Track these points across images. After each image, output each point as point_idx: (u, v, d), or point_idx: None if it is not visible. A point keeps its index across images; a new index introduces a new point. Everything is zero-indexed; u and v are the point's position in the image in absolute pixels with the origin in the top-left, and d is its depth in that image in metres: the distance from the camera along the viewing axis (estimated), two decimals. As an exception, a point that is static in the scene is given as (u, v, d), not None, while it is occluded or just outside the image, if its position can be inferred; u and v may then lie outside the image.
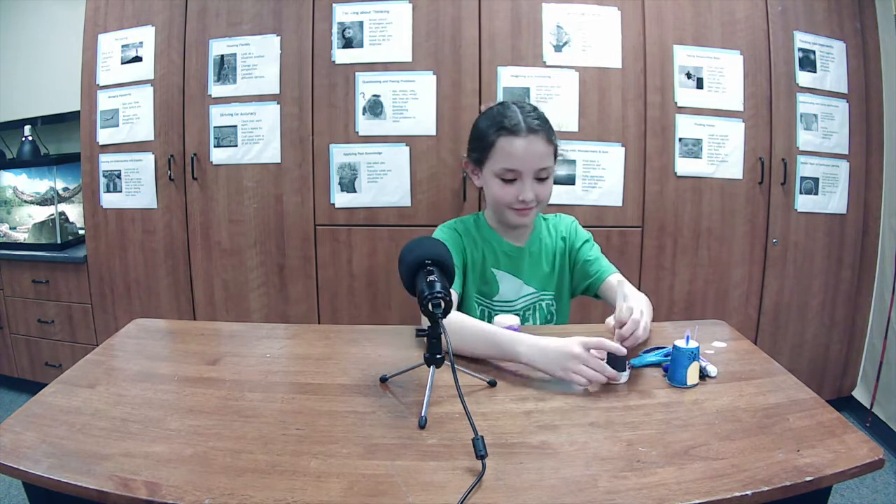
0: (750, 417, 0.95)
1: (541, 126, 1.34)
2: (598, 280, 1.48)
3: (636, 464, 0.82)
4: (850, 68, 2.41)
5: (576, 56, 2.29)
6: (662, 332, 1.36)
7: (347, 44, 2.32)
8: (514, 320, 1.22)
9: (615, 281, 1.45)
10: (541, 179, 1.36)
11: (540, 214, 1.53)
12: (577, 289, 1.54)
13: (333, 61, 2.33)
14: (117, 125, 2.48)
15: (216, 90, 2.39)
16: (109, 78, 2.48)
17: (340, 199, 2.38)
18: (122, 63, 2.46)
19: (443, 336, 0.96)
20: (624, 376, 1.07)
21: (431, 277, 0.99)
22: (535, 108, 1.38)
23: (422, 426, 0.92)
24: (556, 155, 1.39)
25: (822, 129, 2.39)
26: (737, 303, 2.43)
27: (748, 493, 0.76)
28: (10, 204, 2.84)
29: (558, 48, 2.30)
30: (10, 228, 2.84)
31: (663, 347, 1.15)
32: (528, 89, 2.29)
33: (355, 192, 2.37)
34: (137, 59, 2.44)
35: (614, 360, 1.06)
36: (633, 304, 1.20)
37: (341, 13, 2.32)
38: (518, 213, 1.37)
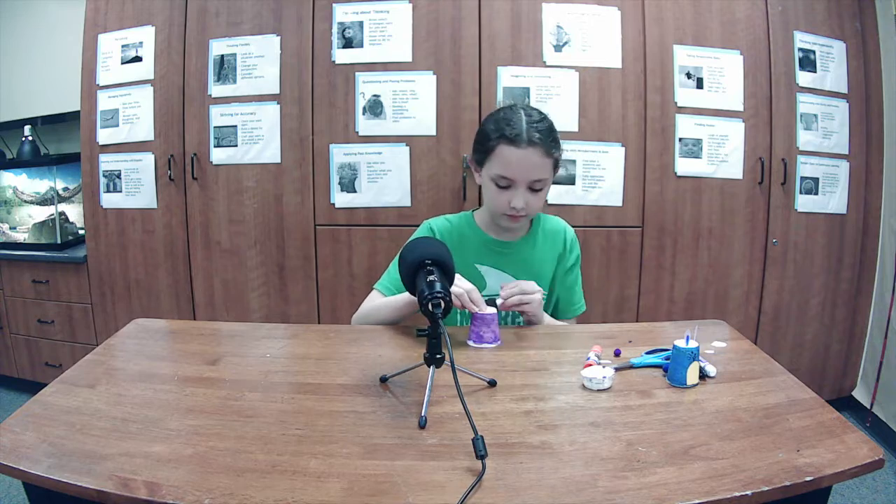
0: (750, 417, 0.95)
1: (542, 139, 1.33)
2: (563, 313, 1.53)
3: (636, 464, 0.82)
4: (850, 68, 2.41)
5: (576, 56, 2.29)
6: (662, 332, 1.36)
7: (347, 44, 2.32)
8: (491, 310, 1.27)
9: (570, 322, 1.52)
10: (534, 190, 1.37)
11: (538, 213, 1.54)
12: (550, 300, 1.55)
13: (333, 61, 2.33)
14: (117, 125, 2.48)
15: (216, 90, 2.39)
16: (109, 78, 2.48)
17: (340, 199, 2.38)
18: (122, 63, 2.46)
19: (443, 336, 0.96)
20: (490, 341, 1.25)
21: (431, 277, 1.00)
22: (542, 118, 1.38)
23: (422, 426, 0.91)
24: (556, 166, 1.40)
25: (822, 129, 2.39)
26: (737, 303, 2.43)
27: (748, 493, 0.76)
28: (10, 204, 2.84)
29: (558, 48, 2.30)
30: (10, 228, 2.85)
31: (664, 350, 1.15)
32: (528, 89, 2.29)
33: (355, 192, 2.37)
34: (137, 59, 2.45)
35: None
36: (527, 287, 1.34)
37: (341, 13, 2.32)
38: (509, 219, 1.40)
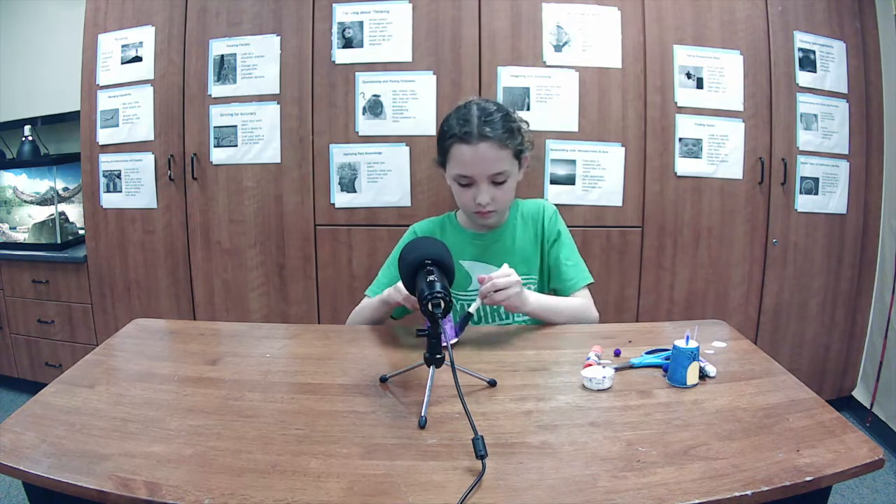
0: (750, 417, 0.95)
1: (493, 132, 1.33)
2: (568, 289, 1.48)
3: (636, 464, 0.82)
4: (850, 68, 2.41)
5: (576, 56, 2.29)
6: (662, 332, 1.36)
7: (347, 44, 2.32)
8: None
9: (580, 297, 1.47)
10: (497, 183, 1.37)
11: (516, 199, 1.52)
12: (546, 285, 1.52)
13: (333, 61, 2.33)
14: (117, 125, 2.48)
15: (216, 90, 2.39)
16: (109, 78, 2.48)
17: (340, 199, 2.38)
18: (122, 63, 2.46)
19: (442, 336, 0.96)
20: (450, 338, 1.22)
21: (431, 277, 1.00)
22: (496, 110, 1.37)
23: (422, 426, 0.92)
24: (519, 156, 1.39)
25: (822, 129, 2.39)
26: (737, 303, 2.43)
27: (748, 493, 0.76)
28: (10, 204, 2.84)
29: (558, 48, 2.30)
30: (10, 228, 2.85)
31: (664, 350, 1.15)
32: (528, 89, 2.29)
33: (355, 192, 2.37)
34: (137, 59, 2.44)
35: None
36: (507, 273, 1.27)
37: (341, 13, 2.32)
38: (479, 216, 1.41)
